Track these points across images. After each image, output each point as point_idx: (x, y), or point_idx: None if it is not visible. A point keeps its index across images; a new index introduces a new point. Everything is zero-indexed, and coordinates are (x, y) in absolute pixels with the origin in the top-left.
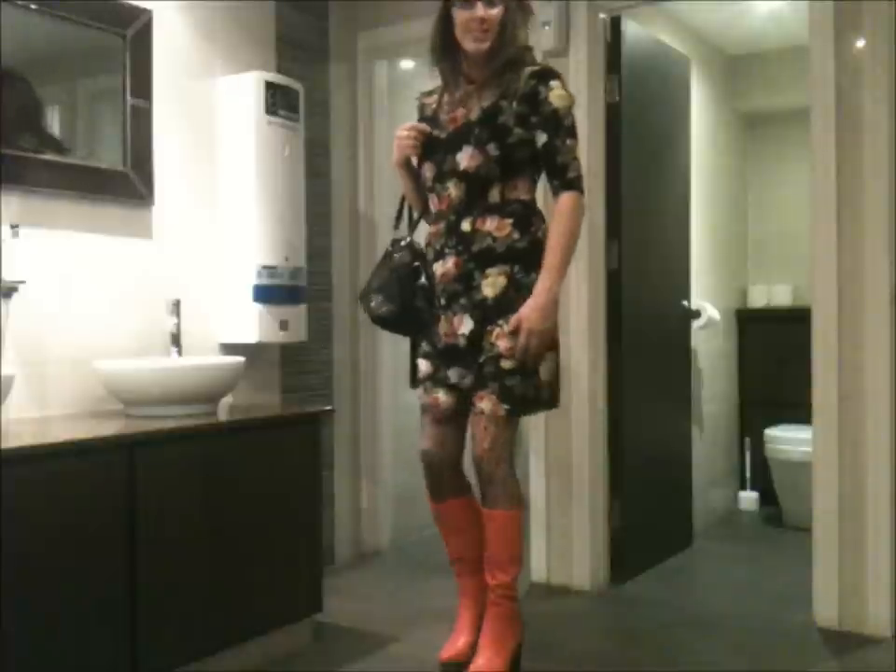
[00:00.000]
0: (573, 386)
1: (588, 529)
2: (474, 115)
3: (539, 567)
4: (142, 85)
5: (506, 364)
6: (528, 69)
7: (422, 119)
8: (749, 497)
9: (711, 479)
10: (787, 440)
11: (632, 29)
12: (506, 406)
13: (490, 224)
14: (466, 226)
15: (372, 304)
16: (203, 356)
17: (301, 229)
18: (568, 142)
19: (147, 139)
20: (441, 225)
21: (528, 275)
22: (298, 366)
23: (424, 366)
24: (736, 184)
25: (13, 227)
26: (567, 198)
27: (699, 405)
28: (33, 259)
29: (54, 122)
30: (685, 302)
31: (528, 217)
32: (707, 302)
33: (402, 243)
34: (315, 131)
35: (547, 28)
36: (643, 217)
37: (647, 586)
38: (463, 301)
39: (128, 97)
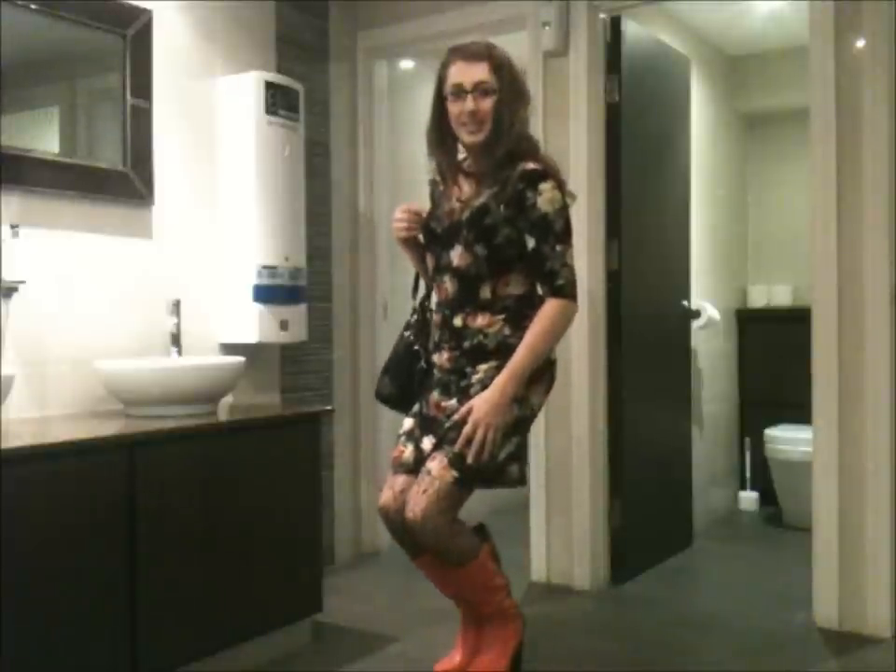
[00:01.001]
0: (573, 386)
1: (588, 529)
2: (465, 214)
3: (539, 567)
4: (142, 85)
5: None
6: (519, 169)
7: (432, 194)
8: (748, 497)
9: (711, 479)
10: (787, 440)
11: (632, 29)
12: (454, 473)
13: (481, 320)
14: (457, 321)
15: (380, 384)
16: (203, 356)
17: (301, 229)
18: (559, 248)
19: (147, 139)
20: (439, 317)
21: None
22: (298, 366)
23: (407, 423)
24: (736, 184)
25: (13, 227)
26: (552, 304)
27: (699, 405)
28: (33, 259)
29: (54, 122)
30: (685, 302)
31: (521, 311)
32: (707, 302)
33: (412, 319)
34: (315, 131)
35: (547, 28)
36: (643, 217)
37: (647, 586)
38: (453, 388)
39: (128, 97)
